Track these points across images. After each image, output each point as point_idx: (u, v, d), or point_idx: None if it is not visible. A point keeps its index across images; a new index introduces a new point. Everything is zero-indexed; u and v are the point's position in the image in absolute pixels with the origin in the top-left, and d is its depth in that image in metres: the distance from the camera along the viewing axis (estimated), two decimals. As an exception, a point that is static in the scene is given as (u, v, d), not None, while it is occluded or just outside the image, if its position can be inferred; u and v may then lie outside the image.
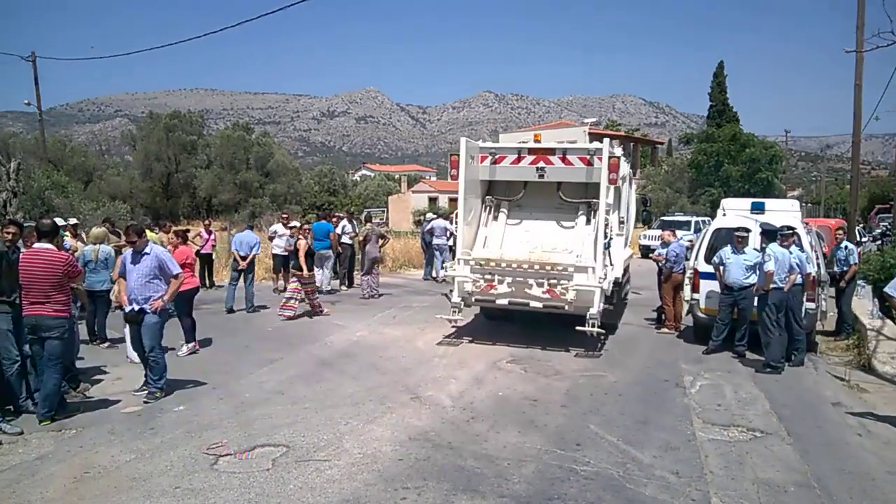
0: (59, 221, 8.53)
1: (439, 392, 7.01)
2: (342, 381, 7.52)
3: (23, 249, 6.70)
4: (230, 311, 12.05)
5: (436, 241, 16.65)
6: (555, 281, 8.89)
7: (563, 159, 9.60)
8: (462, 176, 9.60)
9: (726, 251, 9.25)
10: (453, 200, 56.80)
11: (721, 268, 9.30)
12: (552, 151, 9.75)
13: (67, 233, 10.27)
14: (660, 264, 11.26)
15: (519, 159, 9.87)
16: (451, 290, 9.94)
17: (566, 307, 8.93)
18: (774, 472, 5.11)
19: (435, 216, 18.53)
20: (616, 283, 9.92)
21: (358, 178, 74.56)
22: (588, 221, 9.72)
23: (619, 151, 10.17)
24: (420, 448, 5.36)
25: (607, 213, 9.18)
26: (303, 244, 11.95)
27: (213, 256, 15.66)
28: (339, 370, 8.01)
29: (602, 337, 9.61)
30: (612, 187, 9.23)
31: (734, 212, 11.31)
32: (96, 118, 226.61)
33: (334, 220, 15.72)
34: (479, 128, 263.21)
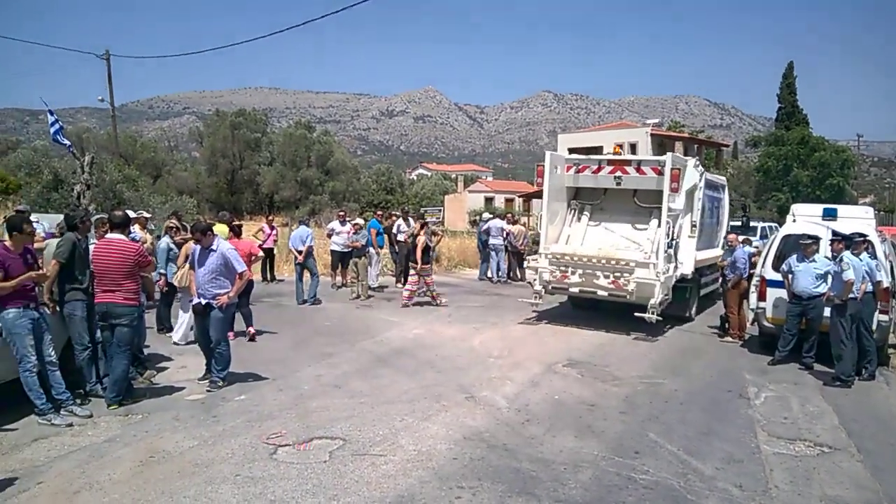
0: (131, 214, 8.90)
1: (494, 393, 6.97)
2: (398, 377, 7.57)
3: (93, 240, 7.04)
4: (303, 302, 12.65)
5: (492, 241, 16.62)
6: (619, 274, 10.22)
7: (638, 169, 10.93)
8: (546, 183, 11.11)
9: (795, 259, 8.90)
10: (509, 201, 56.80)
11: (789, 276, 8.94)
12: (628, 163, 11.15)
13: (137, 225, 10.68)
14: (724, 271, 10.93)
15: (599, 169, 11.27)
16: (535, 279, 11.25)
17: (627, 297, 10.19)
18: (843, 489, 4.88)
19: (491, 216, 18.51)
20: (684, 279, 11.13)
21: (415, 178, 75.12)
22: (659, 224, 10.55)
23: (690, 162, 11.39)
24: (475, 448, 5.34)
25: (674, 216, 10.49)
26: (421, 240, 12.62)
27: (275, 251, 16.05)
28: (395, 367, 8.07)
29: (665, 326, 10.77)
30: (676, 194, 10.47)
31: (804, 218, 10.85)
32: (165, 115, 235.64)
33: (393, 218, 15.90)
34: (536, 128, 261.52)
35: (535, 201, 51.33)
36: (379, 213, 14.71)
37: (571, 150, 48.32)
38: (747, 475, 5.02)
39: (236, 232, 10.50)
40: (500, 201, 56.54)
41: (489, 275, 17.09)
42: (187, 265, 7.99)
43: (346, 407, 6.33)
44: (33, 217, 9.98)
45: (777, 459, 5.39)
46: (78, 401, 6.19)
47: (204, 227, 7.12)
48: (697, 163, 11.63)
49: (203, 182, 46.32)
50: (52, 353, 5.88)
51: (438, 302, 12.88)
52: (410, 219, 15.45)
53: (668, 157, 10.42)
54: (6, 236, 5.91)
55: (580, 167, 11.48)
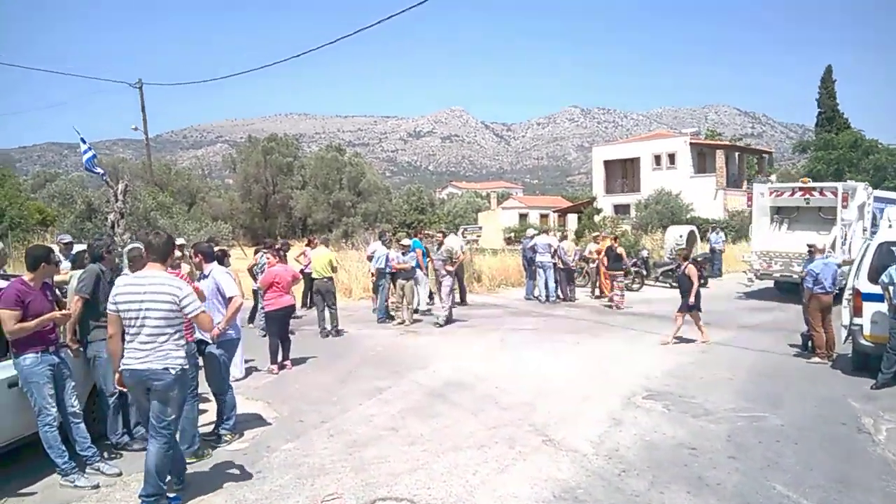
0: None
1: (574, 433, 6.07)
2: (459, 416, 6.72)
3: (125, 271, 6.34)
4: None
5: (539, 258, 15.66)
6: (801, 260, 13.21)
7: (821, 193, 15.28)
8: (755, 205, 16.41)
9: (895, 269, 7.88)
10: (544, 216, 55.86)
11: (891, 288, 7.90)
12: (813, 189, 15.55)
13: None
14: (804, 283, 9.90)
15: (793, 193, 15.86)
16: (751, 267, 16.14)
17: None
18: None
19: (536, 232, 17.56)
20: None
21: (445, 196, 74.60)
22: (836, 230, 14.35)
23: (860, 186, 15.76)
24: (569, 509, 4.45)
25: (847, 225, 14.64)
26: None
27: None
28: (453, 403, 7.22)
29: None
30: (847, 209, 14.56)
31: None
32: (199, 144, 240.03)
33: (438, 237, 15.05)
34: (564, 143, 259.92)
35: (569, 216, 50.37)
36: (428, 232, 13.89)
37: (607, 163, 47.91)
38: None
39: (282, 256, 9.90)
40: (534, 217, 55.63)
41: (536, 294, 16.16)
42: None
43: (407, 456, 5.49)
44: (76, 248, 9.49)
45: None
46: (105, 454, 5.46)
47: (203, 249, 6.43)
48: (867, 185, 16.23)
49: (237, 207, 46.36)
50: (76, 402, 5.16)
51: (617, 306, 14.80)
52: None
53: (839, 185, 15.06)
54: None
55: (779, 192, 16.35)
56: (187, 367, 4.60)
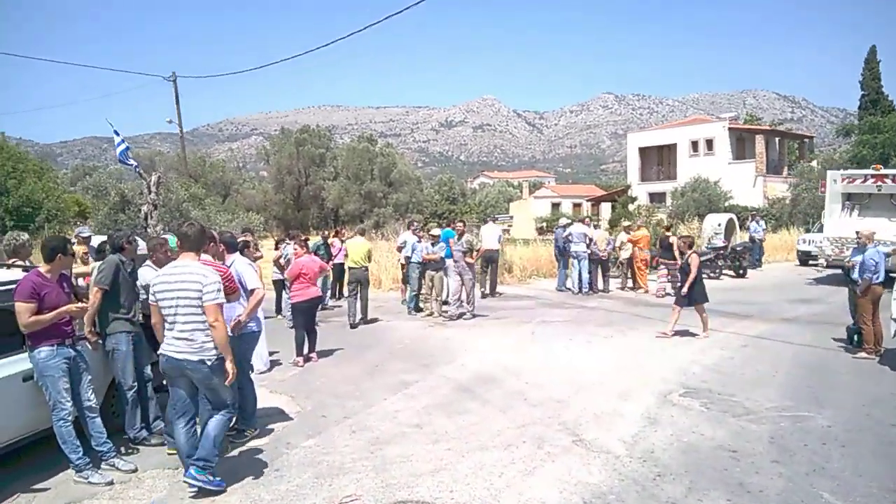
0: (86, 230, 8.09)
1: (607, 433, 5.78)
2: (487, 412, 6.48)
3: (149, 263, 6.24)
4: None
5: (574, 248, 15.27)
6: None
7: (893, 179, 15.49)
8: (828, 192, 16.54)
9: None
10: (577, 205, 55.15)
11: (947, 280, 7.39)
12: (885, 176, 15.68)
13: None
14: (852, 275, 9.40)
15: (865, 180, 15.98)
16: (822, 252, 16.42)
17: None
18: None
19: (570, 221, 17.13)
20: None
21: (477, 186, 74.16)
22: None
23: None
24: (599, 516, 4.19)
25: None
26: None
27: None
28: (482, 399, 6.98)
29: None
30: None
31: None
32: (234, 137, 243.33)
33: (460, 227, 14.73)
34: (598, 131, 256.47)
35: (603, 205, 49.52)
36: (461, 223, 13.47)
37: (642, 150, 46.88)
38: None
39: (308, 247, 9.82)
40: (567, 206, 54.91)
41: (569, 285, 15.80)
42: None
43: (431, 455, 5.27)
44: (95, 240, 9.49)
45: None
46: (123, 449, 5.37)
47: (227, 239, 6.26)
48: None
49: (270, 199, 46.79)
50: (92, 396, 5.07)
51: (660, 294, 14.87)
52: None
53: None
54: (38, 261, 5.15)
55: (851, 179, 16.38)
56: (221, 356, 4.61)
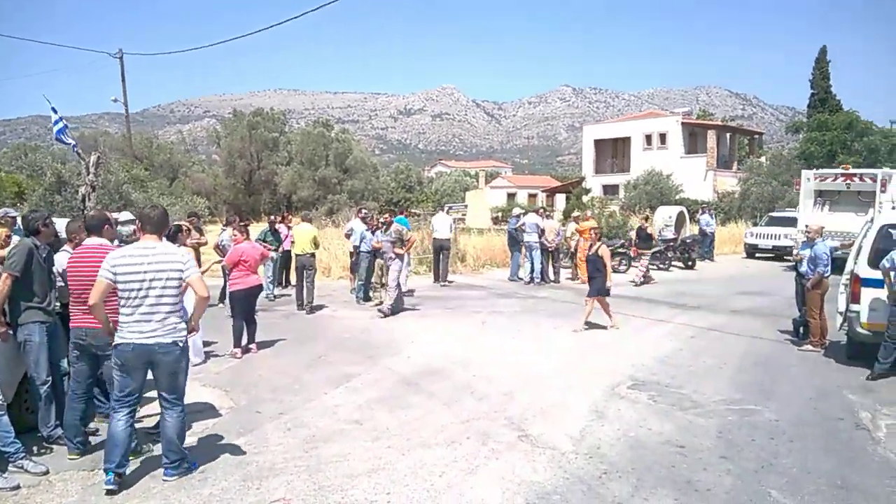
0: (126, 216, 7.55)
1: (553, 428, 5.59)
2: (431, 407, 6.24)
3: (66, 248, 5.76)
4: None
5: (527, 238, 15.15)
6: (844, 239, 13.88)
7: (861, 178, 16.78)
8: (802, 189, 17.62)
9: (901, 253, 7.45)
10: (532, 196, 55.39)
11: (892, 273, 7.46)
12: (854, 175, 17.07)
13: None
14: (800, 268, 9.53)
15: (835, 178, 17.22)
16: (797, 244, 15.13)
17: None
18: None
19: (523, 211, 17.03)
20: None
21: (434, 175, 73.76)
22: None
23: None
24: (542, 518, 3.98)
25: (886, 207, 14.83)
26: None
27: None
28: (427, 392, 6.74)
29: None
30: (884, 193, 15.76)
31: None
32: (186, 119, 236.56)
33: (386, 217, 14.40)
34: (555, 123, 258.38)
35: (558, 196, 49.82)
36: (388, 214, 13.38)
37: (598, 142, 47.26)
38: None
39: (248, 233, 9.36)
40: (522, 196, 55.05)
41: (521, 275, 15.69)
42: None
43: (370, 454, 4.99)
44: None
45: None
46: (35, 448, 4.93)
47: (177, 228, 5.98)
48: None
49: (220, 183, 45.48)
50: (-2, 393, 4.62)
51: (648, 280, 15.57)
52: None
53: (878, 172, 16.62)
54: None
55: (823, 178, 17.58)
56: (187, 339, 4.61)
